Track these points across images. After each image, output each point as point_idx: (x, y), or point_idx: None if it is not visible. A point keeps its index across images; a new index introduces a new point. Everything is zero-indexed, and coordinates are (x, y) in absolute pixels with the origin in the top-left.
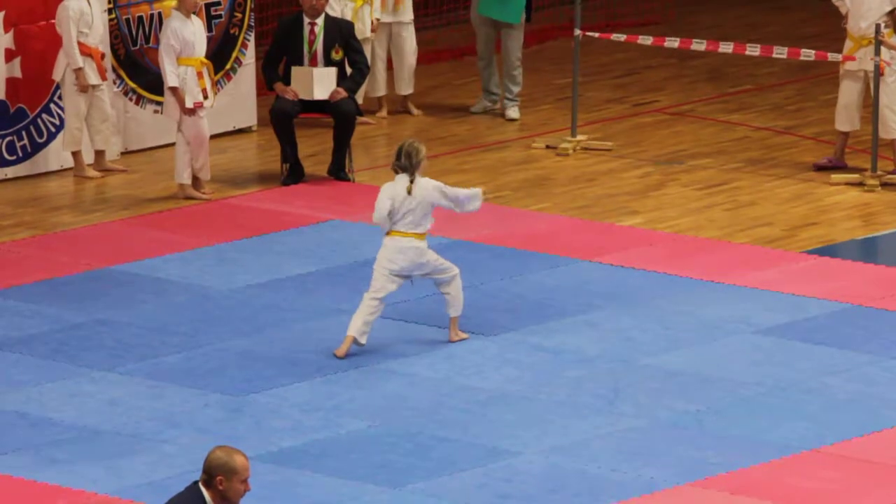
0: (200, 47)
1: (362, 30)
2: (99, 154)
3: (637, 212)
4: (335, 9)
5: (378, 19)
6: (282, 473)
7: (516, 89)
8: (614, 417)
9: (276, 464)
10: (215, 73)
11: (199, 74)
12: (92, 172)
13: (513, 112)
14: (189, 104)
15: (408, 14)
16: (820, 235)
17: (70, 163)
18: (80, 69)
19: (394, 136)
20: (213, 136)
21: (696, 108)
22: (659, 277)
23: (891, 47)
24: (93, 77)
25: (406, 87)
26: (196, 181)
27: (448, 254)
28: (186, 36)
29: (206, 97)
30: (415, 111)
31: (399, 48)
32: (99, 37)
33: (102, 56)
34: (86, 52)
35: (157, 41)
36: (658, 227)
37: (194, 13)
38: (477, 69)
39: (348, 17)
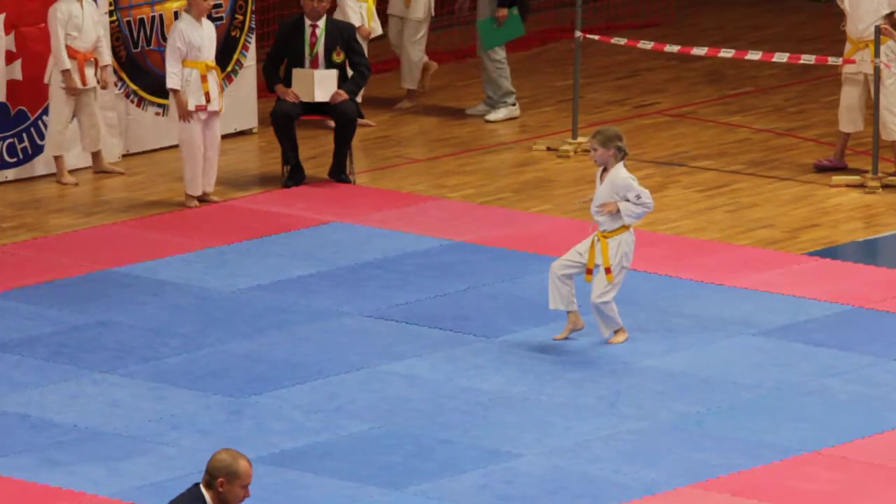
0: (208, 51)
1: (376, 28)
2: (95, 156)
3: None
4: (353, 8)
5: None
6: (283, 475)
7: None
8: (615, 419)
9: (277, 465)
10: None
11: (204, 78)
12: (69, 178)
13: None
14: (191, 106)
15: (414, 13)
16: (821, 237)
17: (72, 165)
18: (66, 70)
19: (395, 138)
20: None
21: (697, 109)
22: (660, 279)
23: (892, 36)
24: (77, 81)
25: (406, 81)
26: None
27: (449, 255)
28: (193, 39)
29: (209, 101)
30: (406, 105)
31: (403, 43)
32: (91, 42)
33: (95, 62)
34: (72, 55)
35: (159, 43)
36: (659, 228)
37: (206, 17)
38: (479, 71)
39: (364, 16)
